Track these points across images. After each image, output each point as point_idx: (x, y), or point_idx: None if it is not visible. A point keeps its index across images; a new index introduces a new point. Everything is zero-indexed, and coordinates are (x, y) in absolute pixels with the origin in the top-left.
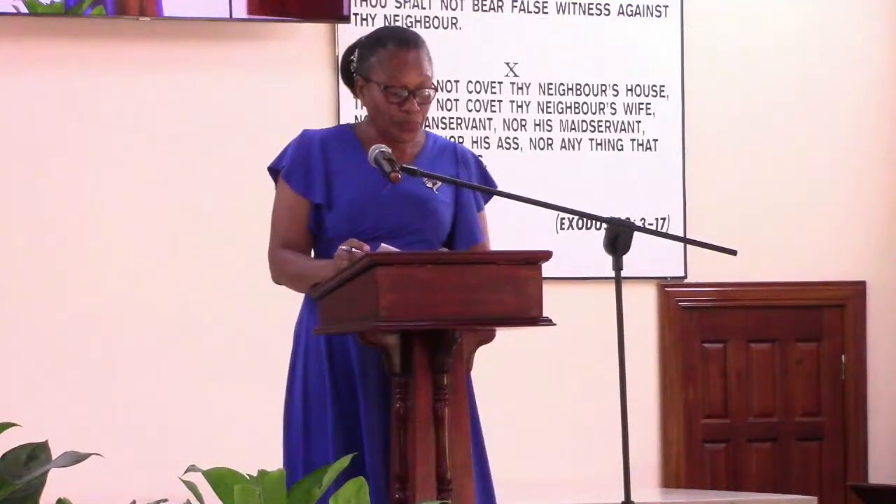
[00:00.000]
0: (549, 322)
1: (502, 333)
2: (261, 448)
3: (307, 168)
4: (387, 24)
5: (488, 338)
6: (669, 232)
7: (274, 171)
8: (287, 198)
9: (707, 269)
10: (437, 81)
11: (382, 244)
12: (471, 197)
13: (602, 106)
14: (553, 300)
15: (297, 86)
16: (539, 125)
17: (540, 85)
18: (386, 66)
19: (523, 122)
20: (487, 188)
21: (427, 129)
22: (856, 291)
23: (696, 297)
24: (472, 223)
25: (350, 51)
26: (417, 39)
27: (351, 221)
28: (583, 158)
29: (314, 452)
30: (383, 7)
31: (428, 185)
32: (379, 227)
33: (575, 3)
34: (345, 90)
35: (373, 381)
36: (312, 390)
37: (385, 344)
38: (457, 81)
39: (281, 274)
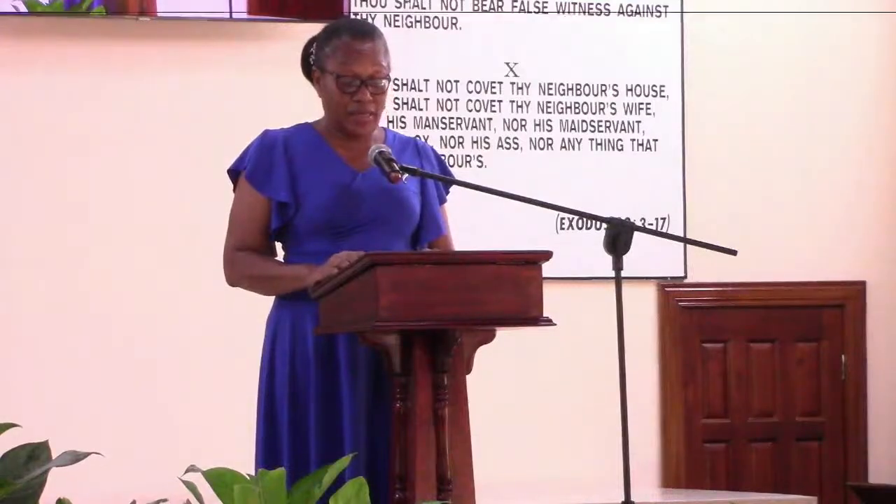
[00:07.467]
0: (549, 322)
1: (502, 333)
2: None
3: (270, 167)
4: (387, 24)
5: (488, 338)
6: (669, 232)
7: (234, 172)
8: (249, 198)
9: (707, 269)
10: (437, 82)
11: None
12: (434, 189)
13: (602, 106)
14: (553, 300)
15: (298, 86)
16: (539, 125)
17: (540, 85)
18: (339, 55)
19: (523, 122)
20: (488, 187)
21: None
22: (856, 291)
23: (696, 297)
24: (437, 215)
25: (309, 43)
26: (374, 31)
27: (324, 215)
28: (583, 158)
29: (300, 450)
30: (383, 7)
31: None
32: (352, 219)
33: (575, 3)
34: None
35: (362, 380)
36: (299, 389)
37: (385, 344)
38: (457, 81)
39: (242, 276)
